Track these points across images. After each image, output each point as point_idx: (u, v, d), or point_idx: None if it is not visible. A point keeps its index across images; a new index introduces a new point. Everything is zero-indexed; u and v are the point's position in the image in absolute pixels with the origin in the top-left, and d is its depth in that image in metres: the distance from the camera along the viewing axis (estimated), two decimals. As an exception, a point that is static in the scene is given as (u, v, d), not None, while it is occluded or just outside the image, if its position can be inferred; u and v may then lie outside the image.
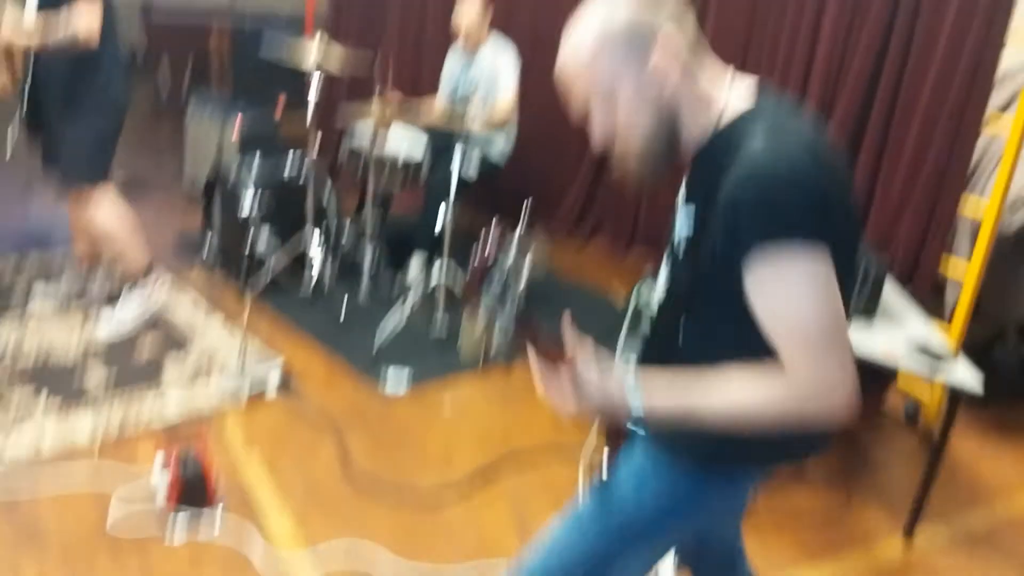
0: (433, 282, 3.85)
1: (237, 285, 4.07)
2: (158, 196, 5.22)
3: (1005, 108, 3.54)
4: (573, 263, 4.97)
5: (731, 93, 1.29)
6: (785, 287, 1.14)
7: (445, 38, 4.68)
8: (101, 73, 3.25)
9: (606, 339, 3.07)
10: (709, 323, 1.31)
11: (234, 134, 4.79)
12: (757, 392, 1.19)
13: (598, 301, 4.48)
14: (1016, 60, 3.53)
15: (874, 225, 3.83)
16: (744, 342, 1.21)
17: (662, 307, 1.43)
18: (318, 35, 3.93)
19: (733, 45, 4.33)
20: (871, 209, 3.86)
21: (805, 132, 1.20)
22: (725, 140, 1.23)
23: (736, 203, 1.15)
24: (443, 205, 3.80)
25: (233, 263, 4.13)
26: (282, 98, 5.41)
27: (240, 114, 4.86)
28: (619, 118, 1.28)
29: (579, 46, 1.27)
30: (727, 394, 1.20)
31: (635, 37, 1.24)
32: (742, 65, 4.27)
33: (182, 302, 3.89)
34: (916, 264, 3.70)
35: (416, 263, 4.34)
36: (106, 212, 3.44)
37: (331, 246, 4.20)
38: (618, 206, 5.19)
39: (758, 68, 4.23)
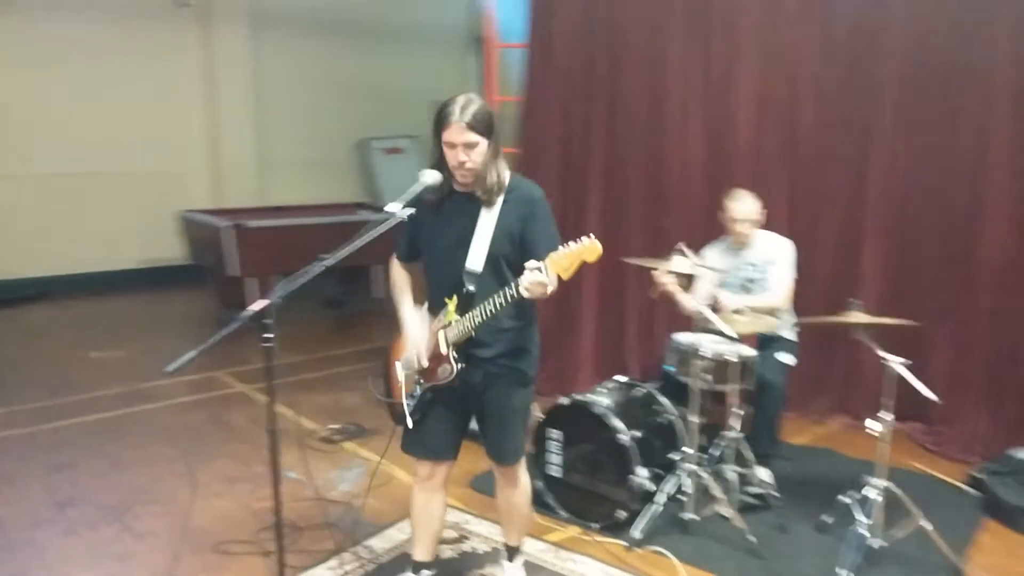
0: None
1: (592, 527, 3.71)
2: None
3: None
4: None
5: None
6: None
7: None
8: (534, 335, 2.90)
9: None
10: None
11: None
12: None
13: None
14: None
15: None
16: None
17: None
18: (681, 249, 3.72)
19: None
20: None
21: None
22: None
23: None
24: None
25: (591, 504, 3.70)
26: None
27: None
28: None
29: None
30: None
31: None
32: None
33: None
34: None
35: (764, 469, 4.03)
36: (525, 484, 3.08)
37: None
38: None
39: None
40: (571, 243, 2.45)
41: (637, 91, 5.29)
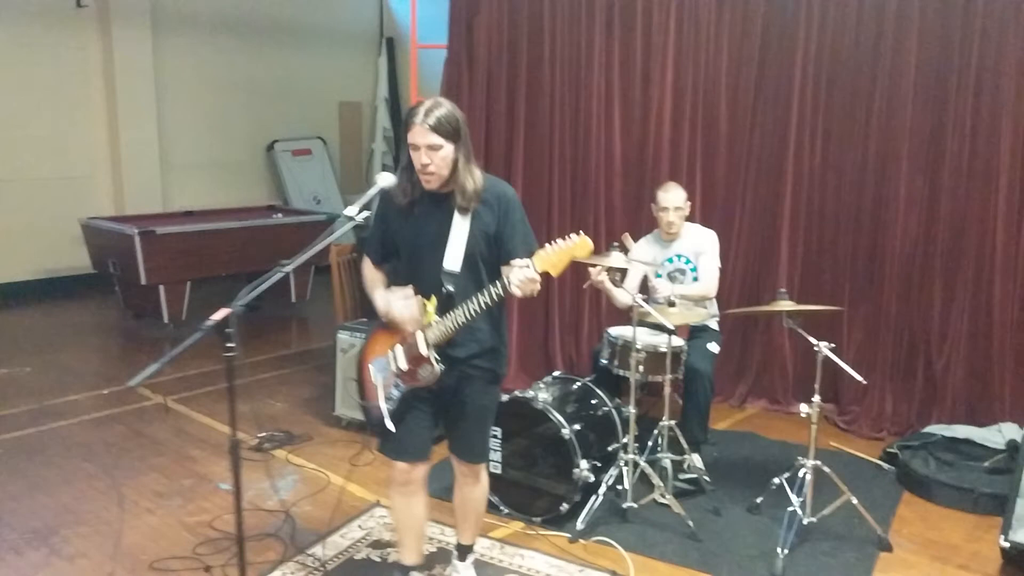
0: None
1: (535, 521, 3.74)
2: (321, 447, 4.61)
3: None
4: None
5: None
6: None
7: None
8: (505, 333, 2.95)
9: None
10: None
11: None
12: None
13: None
14: None
15: None
16: None
17: None
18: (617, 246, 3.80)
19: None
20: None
21: None
22: None
23: None
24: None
25: (533, 499, 3.75)
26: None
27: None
28: None
29: None
30: None
31: None
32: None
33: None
34: None
35: (696, 455, 4.16)
36: (485, 483, 3.15)
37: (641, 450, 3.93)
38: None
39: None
40: (559, 240, 2.47)
41: (559, 90, 5.36)
